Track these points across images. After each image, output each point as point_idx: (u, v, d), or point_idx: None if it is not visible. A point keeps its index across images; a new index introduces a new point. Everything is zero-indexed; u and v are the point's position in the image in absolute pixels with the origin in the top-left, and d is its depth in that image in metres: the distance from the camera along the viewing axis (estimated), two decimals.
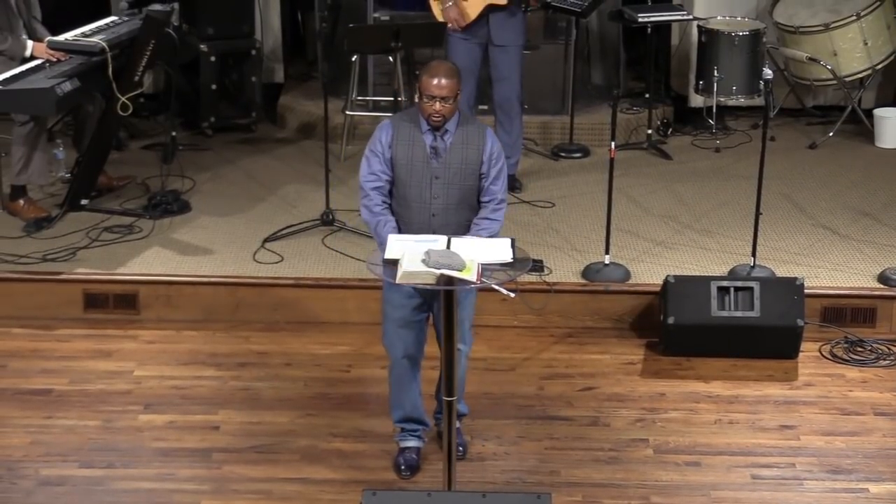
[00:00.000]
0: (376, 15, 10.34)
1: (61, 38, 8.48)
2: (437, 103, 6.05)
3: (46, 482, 6.35)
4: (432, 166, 6.13)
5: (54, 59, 8.40)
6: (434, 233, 6.02)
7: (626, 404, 7.13)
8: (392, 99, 9.01)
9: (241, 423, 6.85)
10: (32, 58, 8.49)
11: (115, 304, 7.99)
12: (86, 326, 7.90)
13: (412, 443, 6.56)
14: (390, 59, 9.42)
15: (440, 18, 9.01)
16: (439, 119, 6.08)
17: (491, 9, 8.87)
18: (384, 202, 6.21)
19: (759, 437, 6.82)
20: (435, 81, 6.04)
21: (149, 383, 7.27)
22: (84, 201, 8.89)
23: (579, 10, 9.76)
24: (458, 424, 6.43)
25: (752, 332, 7.52)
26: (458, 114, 6.18)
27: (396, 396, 6.52)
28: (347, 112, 10.14)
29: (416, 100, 6.16)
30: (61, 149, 9.28)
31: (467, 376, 6.65)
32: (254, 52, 10.55)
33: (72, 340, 7.75)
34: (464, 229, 6.15)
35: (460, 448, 6.50)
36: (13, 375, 7.35)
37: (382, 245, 6.06)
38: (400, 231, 6.16)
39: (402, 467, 6.47)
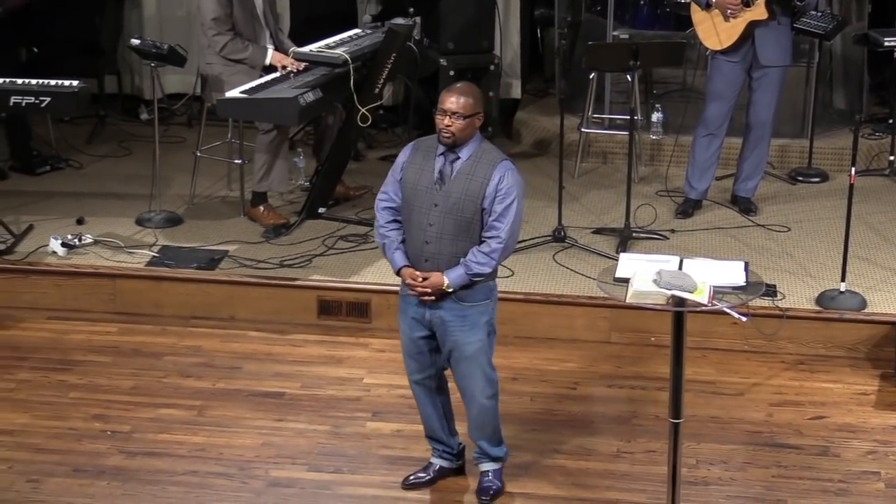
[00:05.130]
0: (615, 33, 10.32)
1: (306, 49, 8.66)
2: (448, 118, 5.93)
3: (276, 483, 6.49)
4: (433, 193, 6.00)
5: (291, 69, 8.57)
6: (426, 261, 6.01)
7: (857, 435, 6.97)
8: (628, 117, 8.97)
9: (466, 435, 6.88)
10: (272, 66, 8.70)
11: (348, 312, 8.12)
12: (319, 332, 8.05)
13: (434, 459, 6.55)
14: (628, 77, 9.39)
15: (699, 28, 8.86)
16: (448, 136, 5.95)
17: (755, 25, 8.73)
18: (393, 220, 6.13)
19: None
20: (451, 96, 5.95)
21: (378, 391, 7.37)
22: (321, 210, 9.06)
23: (823, 33, 9.58)
24: (495, 466, 6.43)
25: None
26: (478, 143, 6.05)
27: (420, 415, 6.50)
28: (583, 129, 10.13)
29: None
30: (301, 157, 9.49)
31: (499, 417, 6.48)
32: (492, 67, 10.62)
33: (305, 346, 7.91)
34: (456, 261, 6.01)
35: (490, 491, 6.38)
36: (248, 377, 7.53)
37: (393, 266, 6.13)
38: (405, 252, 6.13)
39: (410, 476, 6.52)
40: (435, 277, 5.99)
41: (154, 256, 8.45)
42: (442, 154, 6.02)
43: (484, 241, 6.00)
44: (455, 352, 6.15)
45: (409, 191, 6.04)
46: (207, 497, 6.38)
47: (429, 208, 5.99)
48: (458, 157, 6.01)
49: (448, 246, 5.99)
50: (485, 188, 5.97)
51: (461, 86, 6.07)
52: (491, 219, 5.99)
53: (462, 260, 5.99)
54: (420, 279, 6.01)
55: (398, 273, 6.11)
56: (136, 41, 9.00)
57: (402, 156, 6.13)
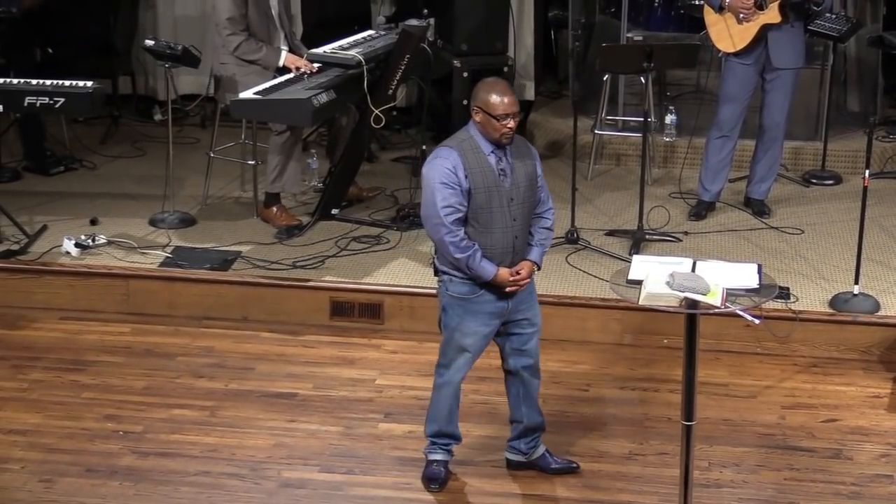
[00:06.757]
0: (629, 35, 10.31)
1: (320, 50, 8.66)
2: (512, 121, 5.96)
3: (287, 484, 6.49)
4: (505, 188, 6.04)
5: (304, 70, 8.58)
6: (515, 255, 6.10)
7: (870, 438, 6.95)
8: (642, 119, 8.96)
9: (480, 436, 6.89)
10: (285, 68, 8.71)
11: (361, 313, 8.12)
12: (331, 333, 8.05)
13: (440, 456, 6.51)
14: (641, 79, 9.38)
15: (712, 30, 8.84)
16: (510, 137, 6.01)
17: (768, 28, 8.70)
18: (464, 230, 6.06)
19: None
20: (506, 100, 5.94)
21: (390, 392, 7.38)
22: (334, 211, 9.07)
23: (838, 35, 9.57)
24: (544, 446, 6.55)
25: None
26: None
27: (436, 411, 6.43)
28: (596, 131, 10.14)
29: (477, 120, 6.00)
30: (315, 159, 9.50)
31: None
32: (506, 68, 10.61)
33: (317, 347, 7.91)
34: (527, 245, 6.20)
35: (574, 463, 6.58)
36: (260, 378, 7.53)
37: (481, 277, 6.05)
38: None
39: (430, 481, 6.46)
40: (527, 266, 6.16)
41: (167, 257, 8.46)
42: (492, 152, 6.05)
43: (540, 217, 6.22)
44: (530, 326, 6.31)
45: (482, 195, 6.02)
46: (219, 497, 6.39)
47: (508, 205, 6.07)
48: (506, 149, 6.09)
49: (526, 233, 6.18)
50: (536, 166, 6.19)
51: (503, 84, 6.08)
52: (542, 193, 6.21)
53: (532, 240, 6.19)
54: (519, 273, 6.12)
55: (493, 279, 6.06)
56: (150, 42, 9.00)
57: (454, 165, 5.98)
